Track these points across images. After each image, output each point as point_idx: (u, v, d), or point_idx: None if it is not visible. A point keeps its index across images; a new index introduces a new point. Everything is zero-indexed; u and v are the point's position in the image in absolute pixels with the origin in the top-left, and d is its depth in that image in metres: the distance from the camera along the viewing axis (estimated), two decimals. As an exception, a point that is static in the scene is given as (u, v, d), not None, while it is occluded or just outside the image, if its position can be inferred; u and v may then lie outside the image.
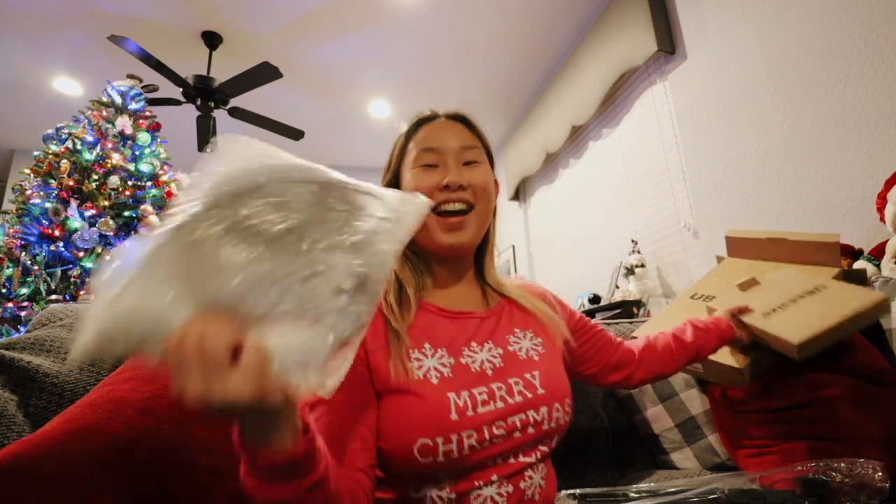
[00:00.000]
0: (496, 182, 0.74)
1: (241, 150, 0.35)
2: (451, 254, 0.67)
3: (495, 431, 0.55)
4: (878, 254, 1.30)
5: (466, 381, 0.57)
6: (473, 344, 0.62)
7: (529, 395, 0.59)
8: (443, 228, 0.64)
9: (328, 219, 0.35)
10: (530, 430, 0.58)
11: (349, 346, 0.35)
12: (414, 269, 0.67)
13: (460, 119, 0.72)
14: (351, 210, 0.36)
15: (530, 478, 0.59)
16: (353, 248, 0.35)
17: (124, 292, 0.30)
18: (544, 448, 0.61)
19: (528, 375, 0.61)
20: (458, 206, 0.64)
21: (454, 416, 0.53)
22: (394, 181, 0.71)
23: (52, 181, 2.31)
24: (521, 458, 0.58)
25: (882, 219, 1.29)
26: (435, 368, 0.57)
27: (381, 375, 0.56)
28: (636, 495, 0.63)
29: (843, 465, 0.58)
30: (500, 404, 0.56)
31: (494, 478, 0.55)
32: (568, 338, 0.72)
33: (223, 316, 0.31)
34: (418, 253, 0.69)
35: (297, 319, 0.33)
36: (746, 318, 0.86)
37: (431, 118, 0.71)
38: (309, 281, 0.33)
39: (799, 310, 0.83)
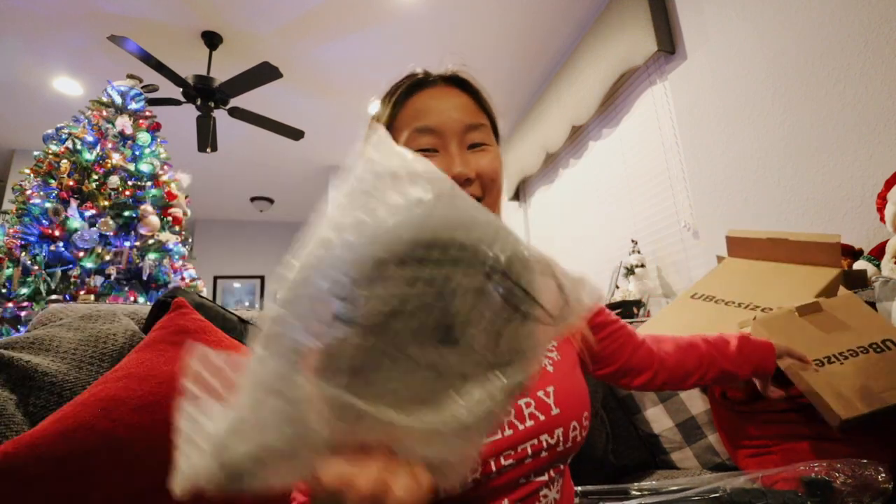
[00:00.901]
0: None
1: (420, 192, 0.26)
2: None
3: (503, 462, 0.49)
4: (878, 254, 1.30)
5: None
6: None
7: (542, 418, 0.52)
8: None
9: (507, 319, 0.27)
10: (543, 454, 0.52)
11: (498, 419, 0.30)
12: None
13: (461, 84, 0.59)
14: (519, 299, 0.27)
15: (545, 496, 0.54)
16: (518, 356, 0.28)
17: (232, 433, 0.25)
18: (560, 466, 0.56)
19: (540, 393, 0.53)
20: None
21: None
22: None
23: (52, 181, 2.31)
24: (535, 479, 0.53)
25: (882, 219, 1.29)
26: None
27: None
28: (638, 493, 0.63)
29: (845, 465, 0.57)
30: (508, 432, 0.50)
31: (506, 503, 0.51)
32: (586, 334, 0.63)
33: (362, 439, 0.26)
34: None
35: (436, 414, 0.27)
36: (793, 362, 0.74)
37: (424, 82, 0.58)
38: (468, 387, 0.27)
39: (858, 370, 0.72)
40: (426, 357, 0.26)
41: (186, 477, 0.25)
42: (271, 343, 0.25)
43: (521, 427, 0.51)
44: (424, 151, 0.54)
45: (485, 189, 0.55)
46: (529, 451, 0.51)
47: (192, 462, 0.25)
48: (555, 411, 0.53)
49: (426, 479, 0.27)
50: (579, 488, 0.73)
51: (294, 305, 0.25)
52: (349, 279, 0.24)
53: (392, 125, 0.56)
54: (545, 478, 0.54)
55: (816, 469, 0.59)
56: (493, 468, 0.49)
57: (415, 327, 0.25)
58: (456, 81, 0.59)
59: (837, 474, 0.57)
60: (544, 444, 0.52)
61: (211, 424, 0.26)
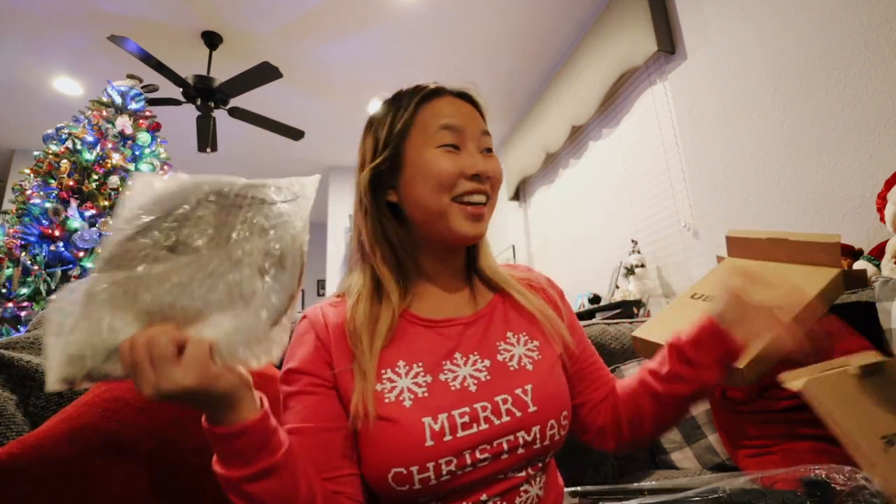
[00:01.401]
0: None
1: (144, 185, 0.41)
2: (465, 244, 0.61)
3: (478, 456, 0.50)
4: (878, 254, 1.30)
5: (445, 401, 0.51)
6: (457, 356, 0.56)
7: (519, 415, 0.53)
8: (466, 217, 0.56)
9: (236, 216, 0.40)
10: (520, 450, 0.53)
11: (285, 316, 0.39)
12: (398, 269, 0.59)
13: (469, 100, 0.63)
14: (253, 203, 0.40)
15: (526, 492, 0.55)
16: (264, 232, 0.39)
17: (72, 334, 0.36)
18: (538, 464, 0.56)
19: (518, 391, 0.54)
20: (481, 199, 0.58)
21: (429, 442, 0.48)
22: (393, 159, 0.59)
23: (52, 181, 2.31)
24: (513, 475, 0.54)
25: (882, 219, 1.29)
26: (409, 389, 0.52)
27: (349, 400, 0.51)
28: (637, 493, 0.63)
29: (845, 467, 0.58)
30: (483, 426, 0.51)
31: (484, 497, 0.52)
32: (568, 341, 0.63)
33: (164, 322, 0.37)
34: (406, 248, 0.60)
35: (229, 307, 0.38)
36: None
37: (440, 91, 0.62)
38: (232, 271, 0.38)
39: None
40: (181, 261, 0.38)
41: (51, 373, 0.35)
42: (96, 266, 0.38)
43: (496, 422, 0.52)
44: (447, 147, 0.57)
45: (493, 190, 0.61)
46: (505, 446, 0.52)
47: (52, 360, 0.35)
48: (532, 409, 0.53)
49: (202, 347, 0.36)
50: (579, 488, 0.73)
51: (106, 246, 0.38)
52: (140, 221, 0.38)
53: (411, 122, 0.59)
54: (523, 475, 0.55)
55: (816, 471, 0.59)
56: (469, 461, 0.50)
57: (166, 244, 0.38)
58: (465, 97, 0.63)
59: (837, 475, 0.57)
60: (521, 440, 0.52)
61: (65, 333, 0.36)
